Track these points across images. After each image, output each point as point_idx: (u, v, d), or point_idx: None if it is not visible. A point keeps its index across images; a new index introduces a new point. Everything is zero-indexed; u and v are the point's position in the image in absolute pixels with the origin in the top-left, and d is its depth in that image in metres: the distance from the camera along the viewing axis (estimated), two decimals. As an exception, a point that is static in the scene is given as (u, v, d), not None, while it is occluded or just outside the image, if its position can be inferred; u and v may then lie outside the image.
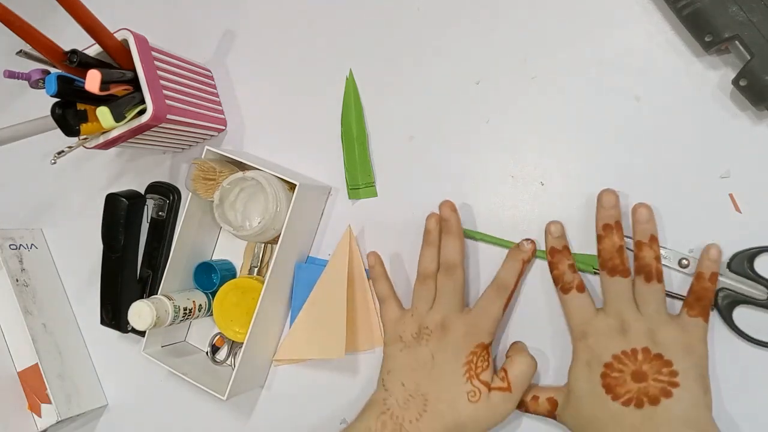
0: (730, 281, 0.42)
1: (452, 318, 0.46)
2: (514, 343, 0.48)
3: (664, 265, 0.43)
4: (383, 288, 0.52)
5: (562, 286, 0.44)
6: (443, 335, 0.45)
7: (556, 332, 0.47)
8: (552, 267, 0.45)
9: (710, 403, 0.39)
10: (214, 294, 0.58)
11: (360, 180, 0.55)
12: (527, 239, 0.47)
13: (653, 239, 0.42)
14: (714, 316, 0.42)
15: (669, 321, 0.41)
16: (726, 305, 0.41)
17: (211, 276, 0.60)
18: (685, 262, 0.43)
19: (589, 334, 0.42)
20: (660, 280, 0.41)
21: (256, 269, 0.59)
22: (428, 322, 0.46)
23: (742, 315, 0.42)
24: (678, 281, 0.44)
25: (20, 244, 0.68)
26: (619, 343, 0.41)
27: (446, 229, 0.48)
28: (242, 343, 0.53)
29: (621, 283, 0.42)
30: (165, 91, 0.53)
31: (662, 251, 0.43)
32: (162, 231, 0.63)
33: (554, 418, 0.44)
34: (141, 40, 0.52)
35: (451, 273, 0.47)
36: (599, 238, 0.43)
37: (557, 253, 0.45)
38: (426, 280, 0.48)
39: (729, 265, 0.41)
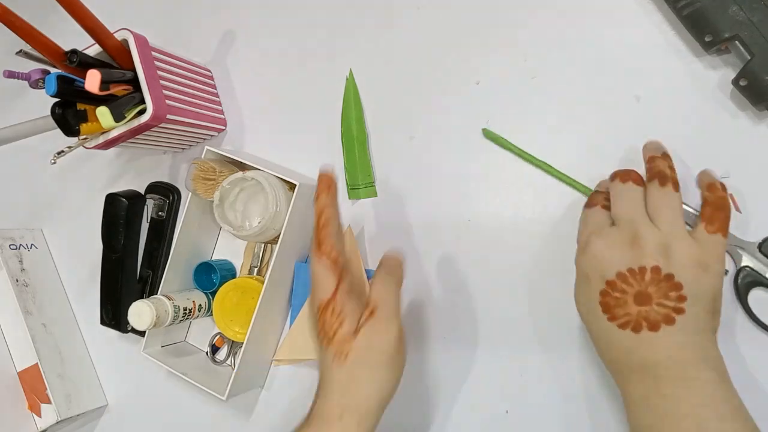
0: (755, 262, 0.41)
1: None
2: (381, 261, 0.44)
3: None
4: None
5: (587, 203, 0.41)
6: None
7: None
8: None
9: (717, 326, 0.37)
10: (214, 294, 0.58)
11: (360, 180, 0.55)
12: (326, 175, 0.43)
13: (666, 155, 0.39)
14: (730, 298, 0.42)
15: (685, 235, 0.36)
16: (745, 284, 0.41)
17: (211, 276, 0.60)
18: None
19: (594, 243, 0.37)
20: (676, 188, 0.37)
21: (256, 269, 0.59)
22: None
23: (757, 298, 0.42)
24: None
25: (20, 244, 0.68)
26: (628, 258, 0.36)
27: None
28: (242, 343, 0.53)
29: (634, 190, 0.38)
30: (165, 91, 0.53)
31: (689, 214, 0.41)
32: (162, 231, 0.63)
33: None
34: (141, 40, 0.52)
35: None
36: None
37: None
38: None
39: (760, 247, 0.41)
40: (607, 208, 0.40)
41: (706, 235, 0.36)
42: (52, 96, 0.49)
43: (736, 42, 0.40)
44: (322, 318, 0.39)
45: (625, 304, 0.36)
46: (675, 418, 0.34)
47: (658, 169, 0.38)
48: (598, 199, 0.41)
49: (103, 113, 0.49)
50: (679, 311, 0.35)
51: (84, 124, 0.53)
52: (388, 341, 0.39)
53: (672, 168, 0.39)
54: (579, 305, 0.39)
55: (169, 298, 0.56)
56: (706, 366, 0.35)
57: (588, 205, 0.41)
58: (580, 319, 0.40)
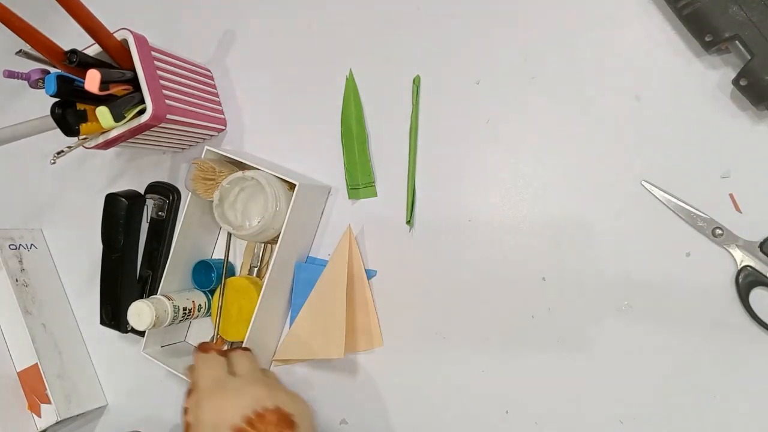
0: (756, 262, 0.41)
1: None
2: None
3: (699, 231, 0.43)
4: None
5: (198, 347, 0.48)
6: None
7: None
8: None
9: None
10: (212, 292, 0.58)
11: (360, 180, 0.55)
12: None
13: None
14: (731, 297, 0.42)
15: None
16: (746, 284, 0.41)
17: (209, 274, 0.60)
18: (719, 231, 0.42)
19: (224, 394, 0.42)
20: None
21: (256, 269, 0.59)
22: None
23: (758, 297, 0.42)
24: (709, 249, 0.43)
25: (20, 244, 0.68)
26: (252, 401, 0.41)
27: None
28: (242, 343, 0.53)
29: (247, 352, 0.48)
30: (165, 91, 0.53)
31: (700, 216, 0.43)
32: (162, 231, 0.63)
33: None
34: (141, 40, 0.52)
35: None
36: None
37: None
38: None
39: (761, 246, 0.41)
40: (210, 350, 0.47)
41: None
42: (51, 96, 0.49)
43: (737, 42, 0.40)
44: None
45: None
46: None
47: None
48: (211, 347, 0.48)
49: (102, 113, 0.49)
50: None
51: (84, 124, 0.53)
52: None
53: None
54: None
55: (169, 298, 0.56)
56: None
57: (201, 349, 0.48)
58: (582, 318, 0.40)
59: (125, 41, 0.52)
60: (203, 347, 0.47)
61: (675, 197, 0.44)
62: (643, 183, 0.45)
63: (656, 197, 0.45)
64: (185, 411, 0.43)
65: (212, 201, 0.54)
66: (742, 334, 0.42)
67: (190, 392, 0.44)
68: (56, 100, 0.52)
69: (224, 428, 0.39)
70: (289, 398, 0.43)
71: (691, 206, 0.42)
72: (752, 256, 0.42)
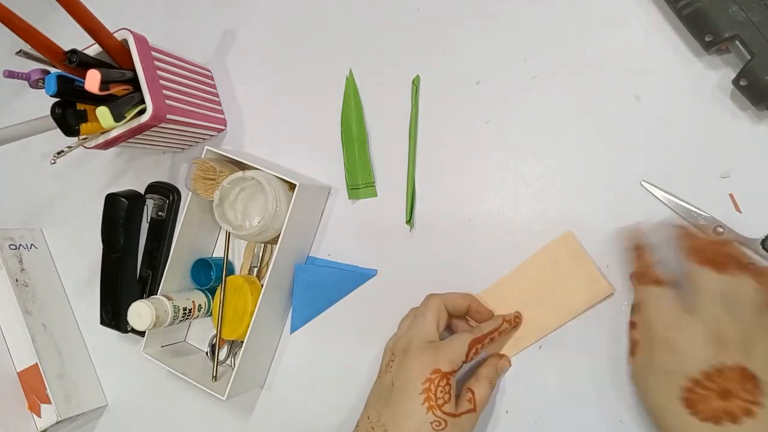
0: (759, 259, 0.41)
1: (416, 344, 0.44)
2: (491, 357, 0.48)
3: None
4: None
5: (644, 279, 0.40)
6: (403, 360, 0.43)
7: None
8: (637, 255, 0.42)
9: None
10: (211, 291, 0.58)
11: (360, 180, 0.55)
12: (516, 315, 0.48)
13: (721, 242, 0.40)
14: None
15: (766, 332, 0.36)
16: None
17: (209, 273, 0.60)
18: (720, 229, 0.42)
19: (677, 342, 0.37)
20: (759, 274, 0.37)
21: (256, 269, 0.59)
22: (396, 347, 0.45)
23: None
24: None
25: (20, 244, 0.68)
26: (713, 356, 0.36)
27: None
28: (242, 343, 0.53)
29: (719, 280, 0.37)
30: (165, 91, 0.53)
31: (701, 215, 0.41)
32: (162, 231, 0.63)
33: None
34: (141, 40, 0.52)
35: (426, 299, 0.47)
36: (683, 234, 0.40)
37: (637, 249, 0.42)
38: (412, 310, 0.48)
39: (763, 243, 0.41)
40: (664, 282, 0.39)
41: None
42: (51, 96, 0.49)
43: (737, 42, 0.40)
44: (432, 379, 0.41)
45: (708, 400, 0.36)
46: None
47: (730, 255, 0.38)
48: (648, 271, 0.40)
49: (103, 113, 0.49)
50: (759, 404, 0.35)
51: (84, 124, 0.53)
52: None
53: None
54: (651, 395, 0.38)
55: (169, 299, 0.56)
56: None
57: (640, 280, 0.40)
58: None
59: (125, 41, 0.52)
60: (645, 277, 0.40)
61: (675, 197, 0.44)
62: (643, 183, 0.45)
63: (656, 197, 0.45)
64: (632, 325, 0.40)
65: (212, 201, 0.54)
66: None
67: (635, 308, 0.40)
68: (56, 100, 0.52)
69: (680, 375, 0.36)
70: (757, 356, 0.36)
71: (691, 205, 0.42)
72: (754, 253, 0.41)
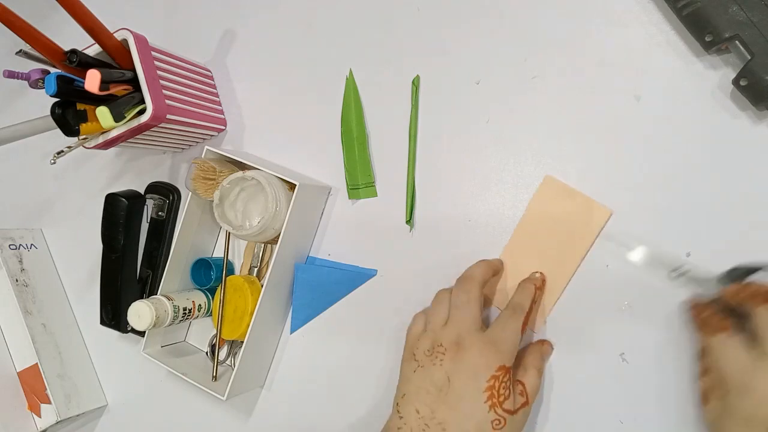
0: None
1: (468, 336, 0.42)
2: (533, 345, 0.46)
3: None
4: (443, 296, 0.47)
5: (708, 329, 0.39)
6: (459, 355, 0.41)
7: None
8: (696, 312, 0.41)
9: None
10: (211, 291, 0.58)
11: (360, 180, 0.55)
12: (537, 272, 0.47)
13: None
14: None
15: None
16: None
17: (209, 273, 0.60)
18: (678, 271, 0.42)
19: (755, 388, 0.36)
20: None
21: (256, 269, 0.59)
22: (442, 338, 0.42)
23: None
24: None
25: (20, 244, 0.68)
26: None
27: None
28: (242, 343, 0.53)
29: None
30: (165, 91, 0.53)
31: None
32: (162, 231, 0.63)
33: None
34: (141, 40, 0.52)
35: (464, 284, 0.44)
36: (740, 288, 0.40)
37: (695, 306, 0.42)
38: (443, 293, 0.46)
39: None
40: (726, 328, 0.38)
41: None
42: (51, 96, 0.49)
43: (737, 42, 0.40)
44: (498, 376, 0.40)
45: None
46: None
47: None
48: (720, 321, 0.39)
49: (103, 113, 0.49)
50: None
51: (84, 124, 0.53)
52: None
53: None
54: None
55: (169, 299, 0.56)
56: None
57: (705, 329, 0.40)
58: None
59: (125, 41, 0.52)
60: (710, 326, 0.39)
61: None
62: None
63: (656, 196, 0.45)
64: (702, 373, 0.40)
65: (212, 201, 0.54)
66: None
67: (704, 354, 0.40)
68: (56, 100, 0.52)
69: (762, 419, 0.35)
70: None
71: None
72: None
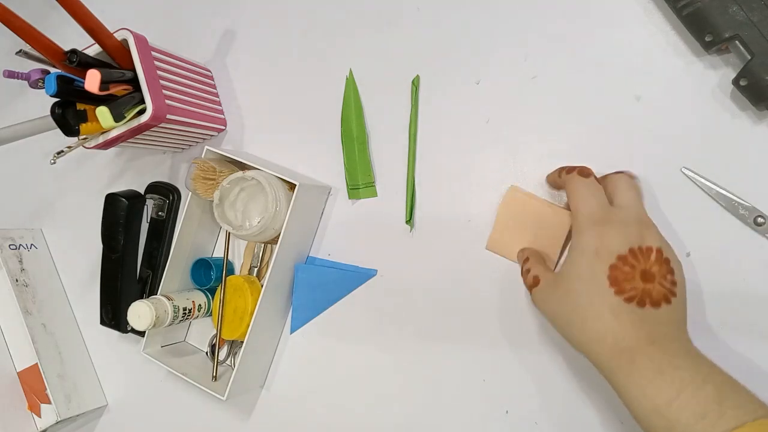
0: None
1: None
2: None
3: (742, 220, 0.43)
4: None
5: (578, 171, 0.43)
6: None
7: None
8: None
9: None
10: (211, 291, 0.58)
11: (360, 180, 0.55)
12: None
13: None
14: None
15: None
16: None
17: (209, 273, 0.60)
18: (761, 220, 0.42)
19: (610, 222, 0.39)
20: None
21: (256, 269, 0.59)
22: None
23: None
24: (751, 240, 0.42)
25: (20, 244, 0.68)
26: (637, 237, 0.39)
27: None
28: (242, 343, 0.53)
29: (631, 180, 0.42)
30: (165, 91, 0.53)
31: (741, 205, 0.42)
32: (162, 231, 0.63)
33: (531, 294, 0.44)
34: (141, 40, 0.52)
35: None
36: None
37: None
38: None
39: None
40: (593, 175, 0.43)
41: None
42: (51, 96, 0.49)
43: (737, 42, 0.40)
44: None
45: (632, 278, 0.38)
46: (696, 387, 0.34)
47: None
48: (592, 171, 0.43)
49: (102, 113, 0.49)
50: (673, 294, 0.38)
51: (84, 124, 0.53)
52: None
53: None
54: (579, 280, 0.39)
55: (169, 299, 0.56)
56: (690, 342, 0.38)
57: (582, 173, 0.43)
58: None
59: (125, 41, 0.52)
60: (585, 171, 0.43)
61: (715, 185, 0.43)
62: (683, 170, 0.44)
63: (656, 196, 0.45)
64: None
65: (212, 201, 0.54)
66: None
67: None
68: (56, 100, 0.52)
69: (607, 255, 0.38)
70: (669, 247, 0.40)
71: (743, 200, 0.42)
72: None
